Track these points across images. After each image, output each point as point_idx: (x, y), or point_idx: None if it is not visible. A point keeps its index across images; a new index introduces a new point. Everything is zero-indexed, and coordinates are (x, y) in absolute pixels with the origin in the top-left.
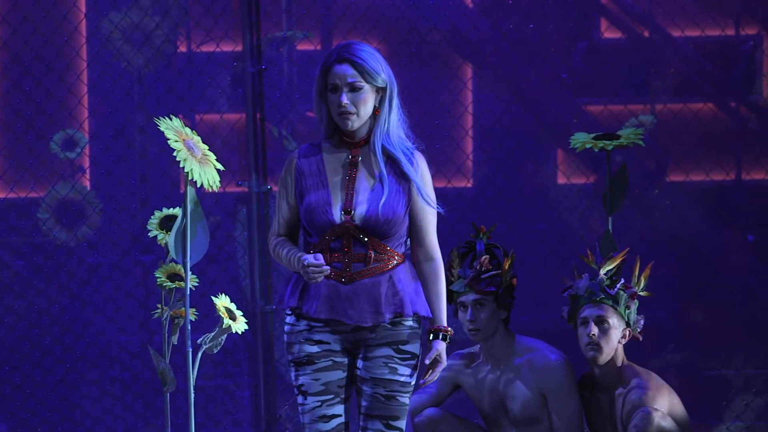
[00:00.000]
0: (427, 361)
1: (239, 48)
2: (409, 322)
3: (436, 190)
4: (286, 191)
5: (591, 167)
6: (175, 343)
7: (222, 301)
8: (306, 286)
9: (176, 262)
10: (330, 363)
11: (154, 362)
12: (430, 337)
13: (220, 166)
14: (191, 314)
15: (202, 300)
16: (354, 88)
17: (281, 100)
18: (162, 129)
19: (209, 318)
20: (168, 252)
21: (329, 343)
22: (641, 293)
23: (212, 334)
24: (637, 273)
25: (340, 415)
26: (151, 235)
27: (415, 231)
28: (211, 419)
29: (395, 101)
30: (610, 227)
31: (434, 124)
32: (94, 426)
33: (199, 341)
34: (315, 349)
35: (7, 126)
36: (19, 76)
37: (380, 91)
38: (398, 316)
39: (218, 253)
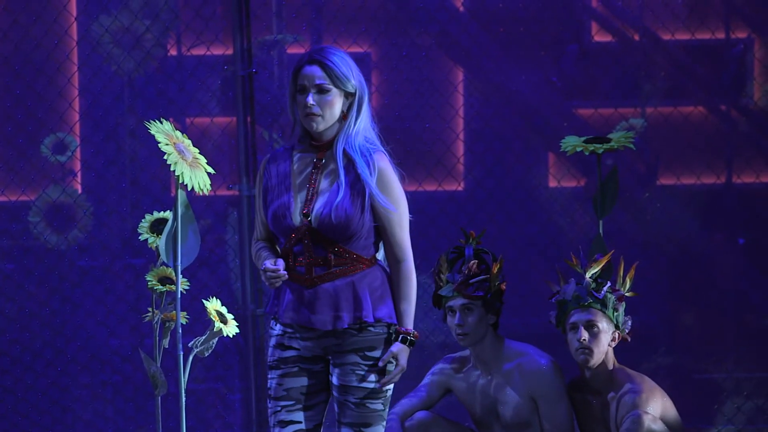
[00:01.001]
0: (380, 363)
1: (230, 51)
2: (375, 329)
3: (426, 193)
4: (258, 195)
5: (581, 170)
6: (166, 347)
7: (213, 305)
8: (278, 291)
9: (167, 266)
10: (296, 369)
11: (145, 365)
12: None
13: (210, 170)
14: (182, 317)
15: (193, 303)
16: (321, 90)
17: (272, 103)
18: (152, 132)
19: (200, 321)
20: (159, 255)
21: (299, 350)
22: (627, 294)
23: (203, 337)
24: (622, 274)
25: (300, 422)
26: (141, 238)
27: (381, 233)
28: (202, 422)
29: (365, 107)
30: (600, 230)
31: (425, 127)
32: (86, 429)
33: (190, 344)
34: (286, 354)
35: None
36: (9, 80)
37: (349, 97)
38: (359, 321)
39: (209, 256)
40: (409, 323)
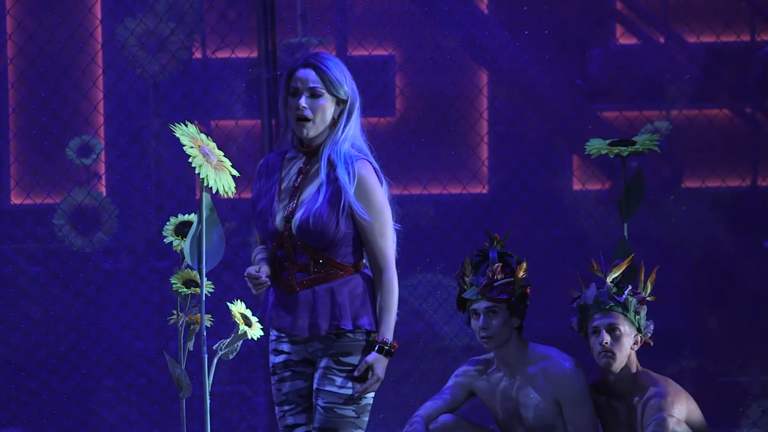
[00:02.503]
0: (356, 373)
1: (254, 54)
2: (354, 335)
3: (451, 196)
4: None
5: (606, 173)
6: (191, 349)
7: (238, 307)
8: (266, 295)
9: (192, 268)
10: (289, 373)
11: (169, 368)
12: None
13: (235, 172)
14: (207, 320)
15: (217, 306)
16: (314, 94)
17: None
18: (177, 135)
19: (225, 324)
20: (183, 258)
21: (290, 354)
22: (649, 298)
23: (228, 340)
24: (643, 278)
25: (304, 424)
26: (166, 241)
27: (362, 241)
28: (226, 425)
29: (355, 115)
30: (625, 233)
31: (449, 130)
32: None
33: (214, 347)
34: (279, 359)
35: (23, 132)
36: (35, 83)
37: (341, 104)
38: (337, 328)
39: (234, 259)
40: (388, 333)
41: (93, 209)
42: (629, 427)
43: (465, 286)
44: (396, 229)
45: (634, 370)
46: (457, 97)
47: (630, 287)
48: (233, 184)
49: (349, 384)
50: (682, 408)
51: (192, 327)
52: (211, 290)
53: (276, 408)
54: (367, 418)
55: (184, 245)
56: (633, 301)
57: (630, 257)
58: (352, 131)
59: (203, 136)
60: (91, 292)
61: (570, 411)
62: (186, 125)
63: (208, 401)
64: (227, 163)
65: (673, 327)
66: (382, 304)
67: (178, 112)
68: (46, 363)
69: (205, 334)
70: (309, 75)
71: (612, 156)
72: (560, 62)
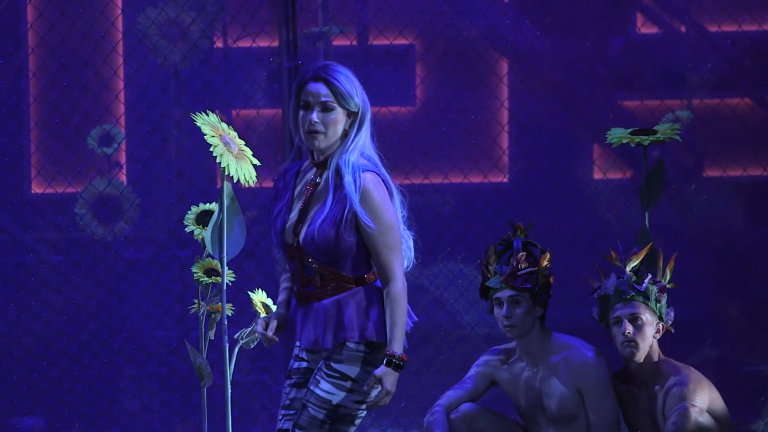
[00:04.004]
0: (365, 387)
1: (275, 43)
2: (352, 344)
3: (471, 185)
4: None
5: (627, 162)
6: (212, 339)
7: (259, 297)
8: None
9: (213, 258)
10: (303, 380)
11: (191, 357)
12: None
13: (256, 162)
14: (228, 309)
15: (238, 295)
16: (326, 108)
17: None
18: (198, 124)
19: (246, 313)
20: (205, 247)
21: (308, 362)
22: (669, 285)
23: (249, 329)
24: (661, 266)
25: None
26: (187, 230)
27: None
28: (247, 414)
29: (365, 126)
30: (646, 223)
31: (470, 119)
32: (131, 421)
33: (235, 336)
34: (297, 365)
35: (44, 122)
36: (56, 72)
37: (352, 115)
38: (345, 340)
39: (255, 248)
40: (397, 346)
41: (114, 198)
42: (651, 416)
43: (489, 275)
44: (409, 219)
45: (656, 358)
46: (477, 86)
47: (650, 276)
48: (254, 174)
49: (330, 389)
50: (705, 397)
51: (213, 316)
52: (232, 279)
53: (280, 410)
54: (345, 428)
55: (205, 234)
56: (653, 289)
57: (648, 246)
58: (362, 141)
59: (224, 125)
60: (113, 281)
61: (592, 400)
62: (207, 114)
63: (229, 390)
64: (248, 152)
65: (695, 316)
66: (391, 317)
67: (199, 101)
68: (67, 352)
69: (226, 323)
70: (320, 89)
71: (633, 145)
72: (581, 51)
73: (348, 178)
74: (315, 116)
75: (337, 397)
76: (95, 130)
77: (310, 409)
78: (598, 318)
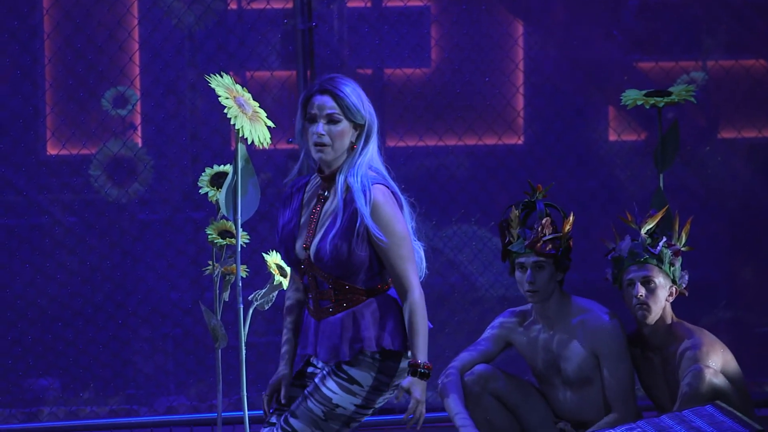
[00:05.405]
0: (395, 400)
1: (290, 5)
2: (372, 353)
3: (486, 147)
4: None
5: (642, 124)
6: (227, 300)
7: (273, 258)
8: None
9: (227, 219)
10: (307, 384)
11: (205, 319)
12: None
13: (270, 123)
14: (242, 271)
15: (253, 257)
16: (332, 120)
17: (331, 57)
18: (213, 86)
19: (260, 275)
20: (219, 209)
21: (322, 369)
22: (683, 249)
23: (263, 290)
24: (677, 228)
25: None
26: (202, 191)
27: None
28: (262, 376)
29: (372, 139)
30: (661, 184)
31: (485, 81)
32: (146, 382)
33: (250, 298)
34: (309, 370)
35: (59, 83)
36: (70, 33)
37: (358, 128)
38: (361, 350)
39: (269, 210)
40: (421, 355)
41: (129, 160)
42: (665, 379)
43: (512, 239)
44: (423, 180)
45: (669, 321)
46: (492, 47)
47: (664, 239)
48: (268, 135)
49: (335, 389)
50: (718, 359)
51: (227, 277)
52: (247, 241)
53: (273, 402)
54: (337, 427)
55: (219, 196)
56: (668, 252)
57: (665, 208)
58: (370, 154)
59: (238, 87)
60: (127, 243)
61: (608, 364)
62: (221, 76)
63: (244, 352)
64: (262, 114)
65: (708, 278)
66: (412, 327)
67: (213, 63)
68: (82, 313)
69: (240, 284)
70: (326, 101)
71: (648, 107)
72: (596, 12)
73: (358, 193)
74: (321, 128)
75: (340, 397)
76: (109, 91)
77: (309, 401)
78: (611, 279)
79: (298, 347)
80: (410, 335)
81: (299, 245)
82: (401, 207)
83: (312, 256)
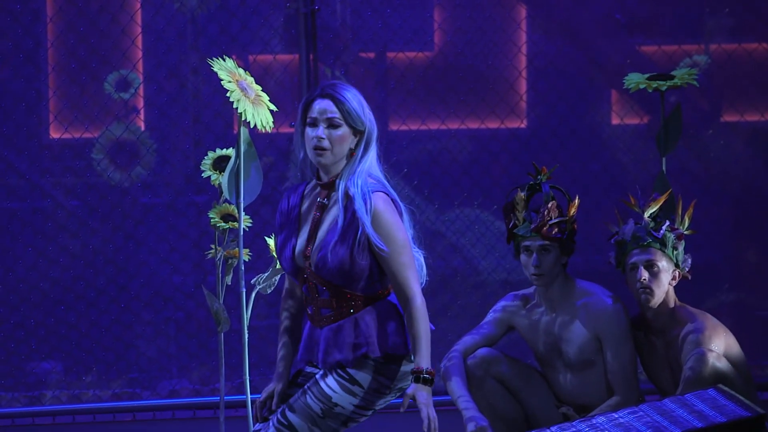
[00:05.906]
0: (402, 410)
1: None
2: (374, 356)
3: (489, 130)
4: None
5: (645, 108)
6: (229, 284)
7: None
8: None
9: (230, 203)
10: (304, 383)
11: (207, 302)
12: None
13: (273, 107)
14: (245, 255)
15: (255, 240)
16: (332, 125)
17: (334, 40)
18: (215, 70)
19: (263, 258)
20: (221, 192)
21: (321, 371)
22: (686, 232)
23: (266, 274)
24: (680, 212)
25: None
26: (204, 175)
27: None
28: (264, 360)
29: (372, 146)
30: (663, 168)
31: (487, 64)
32: (149, 365)
33: (252, 281)
34: (309, 369)
35: (62, 67)
36: (73, 17)
37: (358, 134)
38: (365, 356)
39: (271, 193)
40: (424, 362)
41: (131, 143)
42: (667, 362)
43: (517, 222)
44: (426, 164)
45: (672, 305)
46: (495, 31)
47: (667, 222)
48: (271, 119)
49: (336, 387)
50: (721, 342)
51: (230, 261)
52: (249, 224)
53: (268, 400)
54: (335, 426)
55: (222, 180)
56: (671, 236)
57: (668, 192)
58: (369, 162)
59: (241, 70)
60: (130, 226)
61: (610, 347)
62: (224, 60)
63: (246, 335)
64: (265, 97)
65: (711, 261)
66: (415, 334)
67: (216, 46)
68: (84, 297)
69: (243, 268)
70: (327, 106)
71: (650, 90)
72: None
73: (358, 201)
74: (321, 132)
75: (339, 396)
76: (112, 75)
77: (308, 397)
78: (615, 263)
79: (298, 355)
80: (413, 342)
81: (299, 254)
82: (401, 214)
83: (313, 265)
